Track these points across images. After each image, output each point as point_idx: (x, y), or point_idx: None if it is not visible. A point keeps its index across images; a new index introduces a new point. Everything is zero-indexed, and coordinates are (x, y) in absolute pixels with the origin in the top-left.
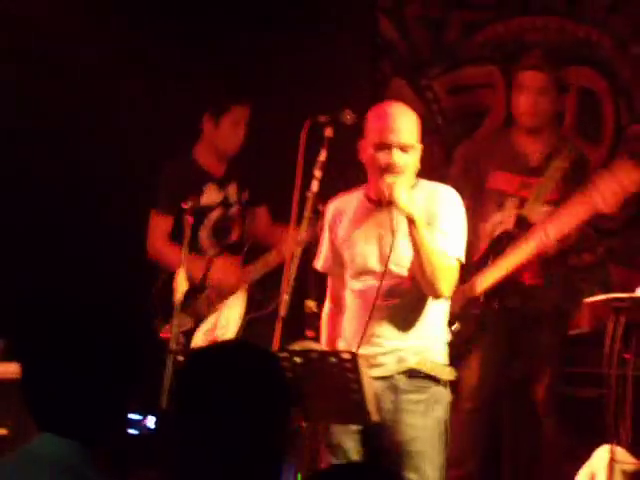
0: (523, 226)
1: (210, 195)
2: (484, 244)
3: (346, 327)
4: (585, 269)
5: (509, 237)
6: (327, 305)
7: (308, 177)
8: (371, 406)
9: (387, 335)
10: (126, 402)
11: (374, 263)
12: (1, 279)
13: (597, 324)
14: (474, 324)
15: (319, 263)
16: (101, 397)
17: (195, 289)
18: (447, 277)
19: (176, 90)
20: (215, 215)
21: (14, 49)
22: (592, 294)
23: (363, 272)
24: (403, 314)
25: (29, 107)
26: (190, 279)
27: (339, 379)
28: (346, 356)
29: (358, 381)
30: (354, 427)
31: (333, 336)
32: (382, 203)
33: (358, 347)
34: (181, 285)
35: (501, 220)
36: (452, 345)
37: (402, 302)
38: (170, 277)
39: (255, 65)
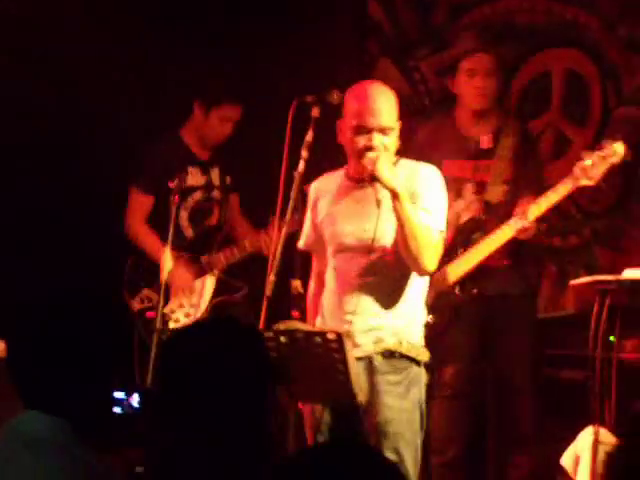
0: (490, 211)
1: (193, 177)
2: (449, 233)
3: (325, 304)
4: (571, 251)
5: (478, 224)
6: (311, 284)
7: (296, 157)
8: (356, 386)
9: (365, 312)
10: (110, 380)
11: (354, 239)
12: None
13: (582, 306)
14: (448, 314)
15: (302, 242)
16: (85, 375)
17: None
18: (432, 251)
19: (165, 72)
20: (196, 197)
21: (13, 49)
22: (578, 276)
23: (343, 248)
24: (382, 292)
25: (27, 108)
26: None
27: (325, 359)
28: (332, 336)
29: (344, 361)
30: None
31: (317, 315)
32: (363, 180)
33: (343, 323)
34: (168, 263)
35: (464, 207)
36: (427, 337)
37: (381, 279)
38: (140, 255)
39: (240, 47)
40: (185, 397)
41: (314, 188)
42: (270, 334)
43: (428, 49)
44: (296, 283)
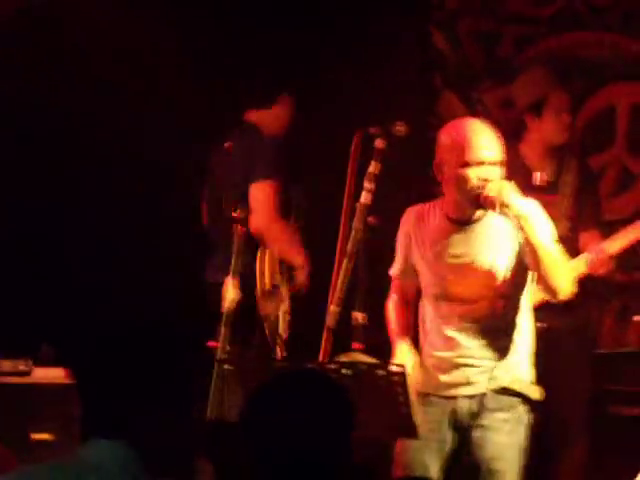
0: None
1: None
2: None
3: (433, 337)
4: (634, 287)
5: None
6: (392, 296)
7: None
8: (418, 419)
9: (478, 354)
10: (178, 408)
11: (455, 289)
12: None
13: None
14: None
15: (394, 269)
16: (154, 403)
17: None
18: (567, 273)
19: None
20: None
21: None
22: None
23: (445, 297)
24: (493, 333)
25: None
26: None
27: (387, 392)
28: (394, 369)
29: (405, 394)
30: (435, 443)
31: (403, 324)
32: (465, 222)
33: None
34: (230, 293)
35: None
36: None
37: (491, 323)
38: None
39: (303, 76)
40: (268, 441)
41: (412, 215)
42: (332, 366)
43: (492, 81)
44: (358, 314)
